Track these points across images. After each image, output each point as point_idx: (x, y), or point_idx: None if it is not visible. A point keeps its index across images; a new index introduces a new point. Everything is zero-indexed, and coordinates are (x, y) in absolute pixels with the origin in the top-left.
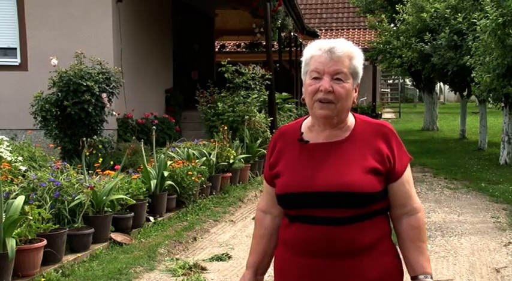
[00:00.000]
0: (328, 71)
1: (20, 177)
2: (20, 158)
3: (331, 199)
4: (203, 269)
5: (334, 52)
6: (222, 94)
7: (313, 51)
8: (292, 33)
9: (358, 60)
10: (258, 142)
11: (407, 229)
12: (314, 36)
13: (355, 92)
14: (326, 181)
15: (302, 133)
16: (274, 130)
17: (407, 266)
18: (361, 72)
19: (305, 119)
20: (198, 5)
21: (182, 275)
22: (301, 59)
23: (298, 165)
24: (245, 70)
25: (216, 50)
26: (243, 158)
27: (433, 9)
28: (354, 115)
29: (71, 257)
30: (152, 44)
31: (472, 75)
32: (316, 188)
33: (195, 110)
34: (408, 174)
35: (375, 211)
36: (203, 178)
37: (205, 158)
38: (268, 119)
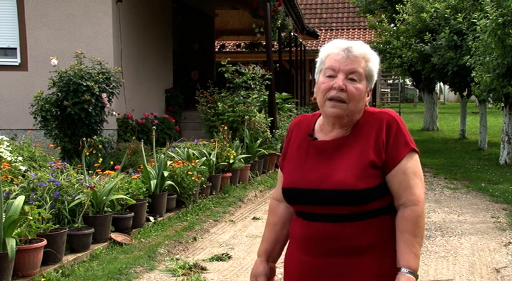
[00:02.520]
0: (343, 69)
1: (20, 177)
2: (20, 158)
3: (328, 196)
4: (203, 269)
5: (351, 51)
6: (222, 94)
7: (330, 49)
8: (292, 33)
9: (374, 63)
10: (258, 142)
11: (399, 219)
12: (314, 36)
13: (368, 95)
14: (324, 178)
15: (313, 129)
16: (274, 130)
17: (396, 258)
18: (375, 77)
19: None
20: (198, 5)
21: (182, 275)
22: (317, 59)
23: (303, 161)
24: (245, 70)
25: (216, 50)
26: (243, 158)
27: (433, 9)
28: None
29: (71, 257)
30: (152, 44)
31: (472, 75)
32: (315, 185)
33: (195, 110)
34: (407, 164)
35: (376, 209)
36: (203, 178)
37: (205, 158)
38: (268, 119)
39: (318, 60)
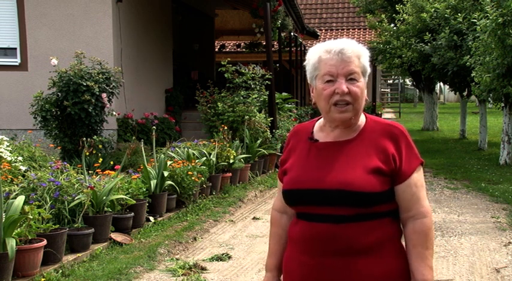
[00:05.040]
0: (341, 73)
1: (20, 177)
2: (20, 158)
3: (332, 197)
4: (203, 269)
5: (344, 53)
6: (222, 94)
7: (320, 54)
8: (292, 33)
9: (366, 58)
10: (258, 142)
11: (410, 233)
12: (314, 36)
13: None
14: (328, 178)
15: (313, 132)
16: (274, 130)
17: (410, 271)
18: (369, 70)
19: (319, 118)
20: (198, 5)
21: (182, 275)
22: (306, 63)
23: (305, 163)
24: (245, 70)
25: (216, 50)
26: (243, 158)
27: (433, 9)
28: (365, 115)
29: (71, 257)
30: (152, 44)
31: (472, 75)
32: (317, 185)
33: (195, 110)
34: (417, 177)
35: (380, 212)
36: (203, 178)
37: (205, 158)
38: (268, 119)
39: (310, 65)
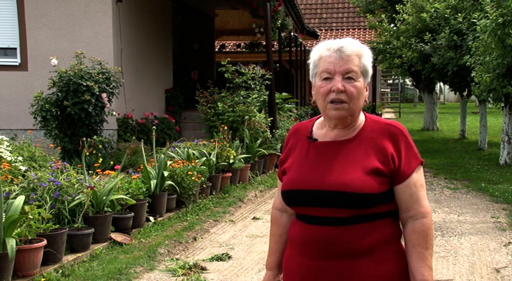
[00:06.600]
0: (339, 71)
1: (20, 177)
2: (20, 158)
3: (331, 198)
4: (203, 269)
5: (343, 51)
6: (222, 94)
7: (321, 52)
8: (292, 33)
9: (367, 58)
10: (258, 142)
11: (410, 233)
12: (314, 36)
13: (366, 90)
14: (326, 179)
15: (312, 131)
16: (274, 130)
17: (409, 271)
18: (370, 71)
19: (319, 117)
20: (198, 5)
21: (182, 275)
22: (309, 61)
23: (304, 163)
24: (245, 70)
25: (216, 50)
26: (243, 158)
27: (433, 9)
28: (364, 114)
29: (71, 257)
30: (152, 44)
31: (472, 75)
32: (316, 186)
33: (195, 110)
34: (417, 177)
35: (379, 213)
36: (203, 178)
37: (205, 158)
38: (268, 119)
39: (311, 63)
